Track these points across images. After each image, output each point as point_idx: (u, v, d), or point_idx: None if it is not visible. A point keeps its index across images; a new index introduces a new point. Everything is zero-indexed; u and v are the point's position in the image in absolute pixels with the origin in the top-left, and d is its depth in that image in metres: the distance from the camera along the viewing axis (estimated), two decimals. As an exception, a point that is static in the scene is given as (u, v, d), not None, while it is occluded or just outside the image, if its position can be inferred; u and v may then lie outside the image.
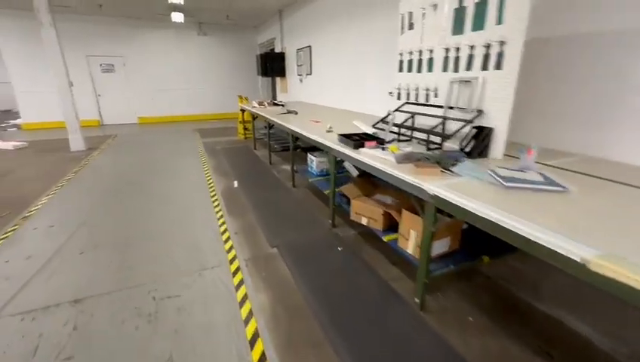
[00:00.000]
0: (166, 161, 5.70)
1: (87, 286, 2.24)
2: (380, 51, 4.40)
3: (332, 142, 2.76)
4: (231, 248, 2.72)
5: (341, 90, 5.70)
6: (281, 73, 8.82)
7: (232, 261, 2.53)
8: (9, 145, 6.75)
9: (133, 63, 9.90)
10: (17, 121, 9.85)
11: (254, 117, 6.29)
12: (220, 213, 3.42)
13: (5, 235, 2.94)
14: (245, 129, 7.51)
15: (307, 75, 7.17)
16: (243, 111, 7.22)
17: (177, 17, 8.38)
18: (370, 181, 3.11)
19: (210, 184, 4.40)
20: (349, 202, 2.85)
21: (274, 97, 10.55)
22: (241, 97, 7.95)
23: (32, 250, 2.69)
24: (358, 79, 5.08)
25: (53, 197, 3.89)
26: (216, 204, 3.70)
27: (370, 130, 3.04)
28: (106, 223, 3.21)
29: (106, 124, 9.99)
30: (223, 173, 4.89)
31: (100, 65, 9.60)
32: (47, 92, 8.64)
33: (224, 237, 2.91)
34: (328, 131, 3.26)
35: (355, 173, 3.39)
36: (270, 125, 5.01)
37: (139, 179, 4.62)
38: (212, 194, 4.01)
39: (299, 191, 4.06)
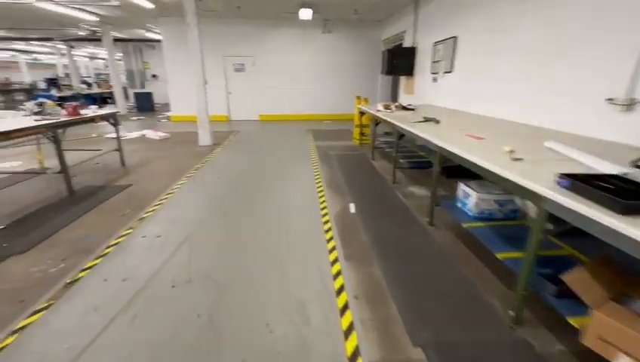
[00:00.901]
0: (277, 165, 5.32)
1: (165, 344, 1.68)
2: (588, 34, 2.80)
3: (536, 182, 1.55)
4: (350, 328, 1.82)
5: (504, 94, 4.18)
6: (409, 71, 7.61)
7: (352, 359, 1.62)
8: (157, 135, 7.65)
9: (261, 63, 10.29)
10: (168, 114, 11.55)
11: (377, 122, 5.35)
12: (333, 254, 2.60)
13: (117, 241, 2.78)
14: (362, 134, 6.67)
15: (445, 72, 5.80)
16: (362, 114, 6.38)
17: (305, 14, 8.12)
18: (614, 265, 1.72)
19: (322, 202, 3.67)
20: (560, 293, 1.59)
21: (394, 98, 9.42)
22: (359, 98, 7.15)
23: (131, 270, 2.38)
24: (542, 78, 3.50)
25: (170, 198, 3.80)
26: (329, 235, 2.90)
27: (616, 170, 1.67)
28: (205, 246, 2.78)
29: (233, 120, 10.73)
30: (336, 188, 4.12)
31: (233, 64, 10.31)
32: (189, 88, 9.72)
33: (340, 301, 2.04)
34: (514, 158, 2.02)
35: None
36: (400, 134, 3.96)
37: (248, 187, 4.27)
38: (324, 218, 3.25)
39: (441, 235, 2.90)
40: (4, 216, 3.29)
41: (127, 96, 13.92)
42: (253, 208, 3.55)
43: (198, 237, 2.88)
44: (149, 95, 13.16)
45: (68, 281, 2.21)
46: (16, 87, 14.27)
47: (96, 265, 2.42)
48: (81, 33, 11.73)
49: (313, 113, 10.87)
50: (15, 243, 2.72)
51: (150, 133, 7.97)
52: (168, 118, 10.92)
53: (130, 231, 2.97)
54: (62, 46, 16.08)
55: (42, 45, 15.29)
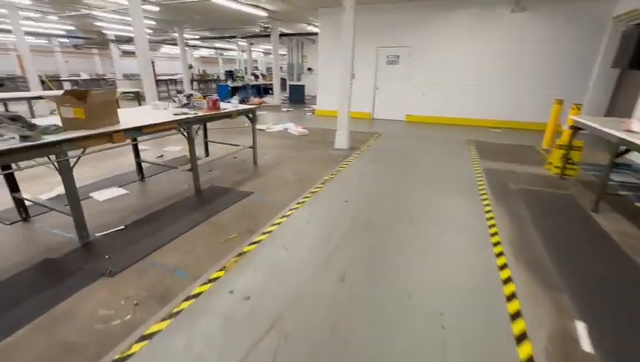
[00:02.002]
0: (426, 193, 3.84)
1: None
2: None
3: None
4: None
5: None
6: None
7: None
8: (297, 130, 7.38)
9: (418, 54, 8.70)
10: (314, 107, 11.56)
11: (620, 151, 3.08)
12: None
13: (200, 290, 2.07)
14: (568, 160, 4.30)
15: None
16: (575, 130, 4.04)
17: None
18: None
19: (509, 296, 2.05)
20: None
21: (618, 105, 6.12)
22: (560, 103, 4.70)
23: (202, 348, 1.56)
24: None
25: (283, 224, 2.99)
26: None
27: None
28: (298, 342, 1.70)
29: (376, 118, 9.66)
30: (534, 268, 2.36)
31: (387, 56, 9.12)
32: (335, 82, 9.21)
33: None
34: None
35: None
36: None
37: (381, 228, 3.02)
38: (522, 348, 1.66)
39: None
40: (134, 211, 3.22)
41: (285, 88, 15.03)
42: (381, 278, 2.29)
43: (293, 320, 1.86)
44: (301, 88, 13.66)
45: (116, 358, 1.57)
46: (209, 77, 17.56)
47: (157, 333, 1.73)
48: (256, 30, 13.07)
49: (476, 117, 8.53)
50: (114, 257, 2.41)
51: (292, 128, 7.80)
52: (313, 111, 10.85)
53: (222, 273, 2.24)
54: (244, 43, 18.86)
55: (228, 42, 18.18)
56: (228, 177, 4.28)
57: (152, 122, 2.96)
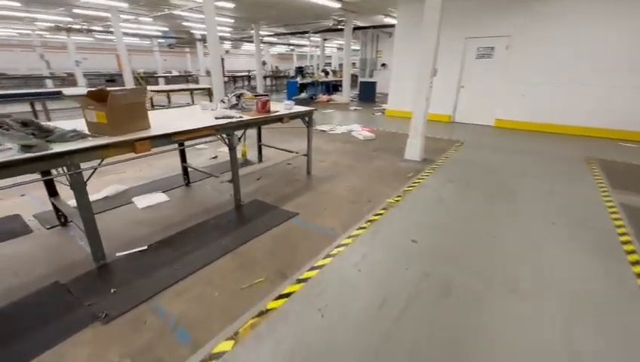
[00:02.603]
0: (534, 245, 2.72)
1: None
2: None
3: None
4: None
5: None
6: None
7: None
8: (362, 133, 6.57)
9: (520, 45, 7.04)
10: (385, 106, 10.54)
11: None
12: None
13: (195, 372, 1.50)
14: None
15: None
16: None
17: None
18: None
19: None
20: None
21: None
22: None
23: None
24: None
25: (320, 276, 2.28)
26: None
27: None
28: None
29: (457, 122, 8.26)
30: None
31: (478, 49, 7.64)
32: (411, 78, 8.10)
33: None
34: None
35: None
36: None
37: (463, 291, 2.09)
38: None
39: None
40: (165, 225, 2.87)
41: (356, 85, 14.26)
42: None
43: None
44: (372, 85, 12.71)
45: None
46: (282, 74, 17.71)
47: None
48: (329, 24, 12.51)
49: (598, 126, 6.57)
50: (120, 292, 2.01)
51: (357, 130, 7.02)
52: (383, 111, 9.86)
53: (231, 344, 1.64)
54: (317, 39, 18.56)
55: (301, 37, 18.03)
56: (275, 189, 3.74)
57: (185, 128, 2.53)
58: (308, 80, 12.70)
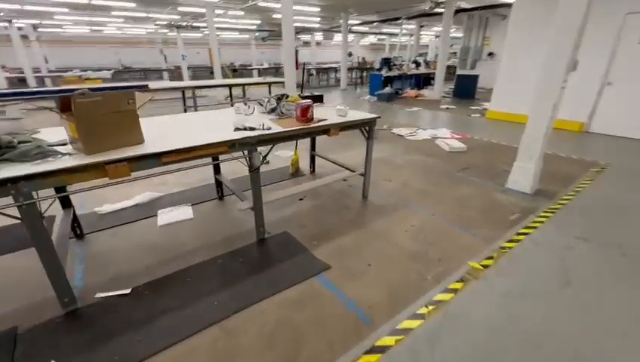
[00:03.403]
0: None
1: None
2: None
3: None
4: None
5: None
6: None
7: None
8: (449, 143, 5.19)
9: None
10: (486, 105, 8.56)
11: None
12: None
13: None
14: None
15: None
16: None
17: None
18: None
19: None
20: None
21: None
22: None
23: None
24: None
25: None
26: None
27: None
28: None
29: (594, 133, 6.01)
30: None
31: (645, 28, 5.28)
32: (528, 72, 6.13)
33: None
34: None
35: None
36: None
37: None
38: None
39: None
40: (169, 258, 2.36)
41: (452, 78, 12.25)
42: None
43: None
44: (473, 78, 10.60)
45: None
46: (369, 66, 16.57)
47: None
48: (425, 8, 10.82)
49: None
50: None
51: (444, 137, 5.65)
52: (483, 112, 7.98)
53: None
54: (412, 26, 16.70)
55: (393, 25, 16.42)
56: (315, 218, 2.92)
57: (185, 144, 1.90)
58: (394, 72, 11.34)
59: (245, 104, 2.84)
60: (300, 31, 19.47)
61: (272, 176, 3.94)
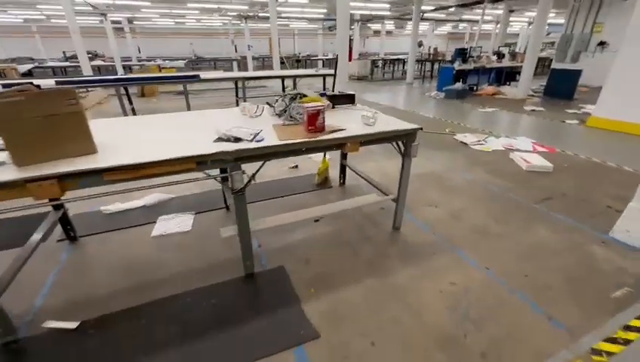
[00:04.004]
0: None
1: None
2: None
3: None
4: None
5: None
6: None
7: None
8: (528, 159, 4.04)
9: None
10: (589, 109, 6.75)
11: None
12: None
13: None
14: None
15: None
16: None
17: None
18: None
19: None
20: None
21: None
22: None
23: None
24: None
25: None
26: None
27: None
28: None
29: None
30: None
31: None
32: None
33: None
34: None
35: None
36: None
37: None
38: None
39: None
40: (143, 284, 2.01)
41: (544, 73, 10.18)
42: None
43: None
44: (573, 74, 8.56)
45: None
46: (441, 57, 14.87)
47: None
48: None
49: None
50: None
51: (523, 148, 4.48)
52: (584, 118, 6.29)
53: None
54: (498, 11, 14.47)
55: (473, 10, 14.42)
56: (325, 252, 2.32)
57: (135, 160, 1.47)
58: (469, 65, 9.79)
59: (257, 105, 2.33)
60: (369, 19, 18.41)
61: (295, 184, 3.42)
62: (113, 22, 16.41)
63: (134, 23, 19.83)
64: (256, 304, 1.85)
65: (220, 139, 1.76)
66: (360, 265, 2.17)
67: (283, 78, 7.99)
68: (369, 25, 21.36)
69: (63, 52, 16.25)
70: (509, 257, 2.24)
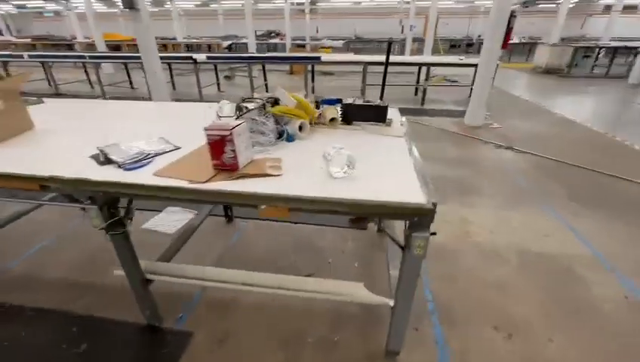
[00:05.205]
0: None
1: None
2: None
3: None
4: None
5: None
6: None
7: None
8: None
9: None
10: None
11: None
12: None
13: None
14: None
15: None
16: None
17: None
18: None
19: None
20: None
21: None
22: None
23: None
24: None
25: None
26: None
27: None
28: None
29: None
30: None
31: None
32: None
33: None
34: None
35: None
36: None
37: None
38: None
39: None
40: (69, 282, 1.88)
41: None
42: None
43: None
44: None
45: None
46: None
47: None
48: None
49: None
50: None
51: None
52: None
53: None
54: None
55: None
56: (257, 339, 1.55)
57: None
58: None
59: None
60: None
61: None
62: (297, 3, 18.41)
63: (317, 4, 21.56)
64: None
65: (97, 157, 1.26)
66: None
67: (420, 65, 6.71)
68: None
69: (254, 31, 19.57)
70: None
